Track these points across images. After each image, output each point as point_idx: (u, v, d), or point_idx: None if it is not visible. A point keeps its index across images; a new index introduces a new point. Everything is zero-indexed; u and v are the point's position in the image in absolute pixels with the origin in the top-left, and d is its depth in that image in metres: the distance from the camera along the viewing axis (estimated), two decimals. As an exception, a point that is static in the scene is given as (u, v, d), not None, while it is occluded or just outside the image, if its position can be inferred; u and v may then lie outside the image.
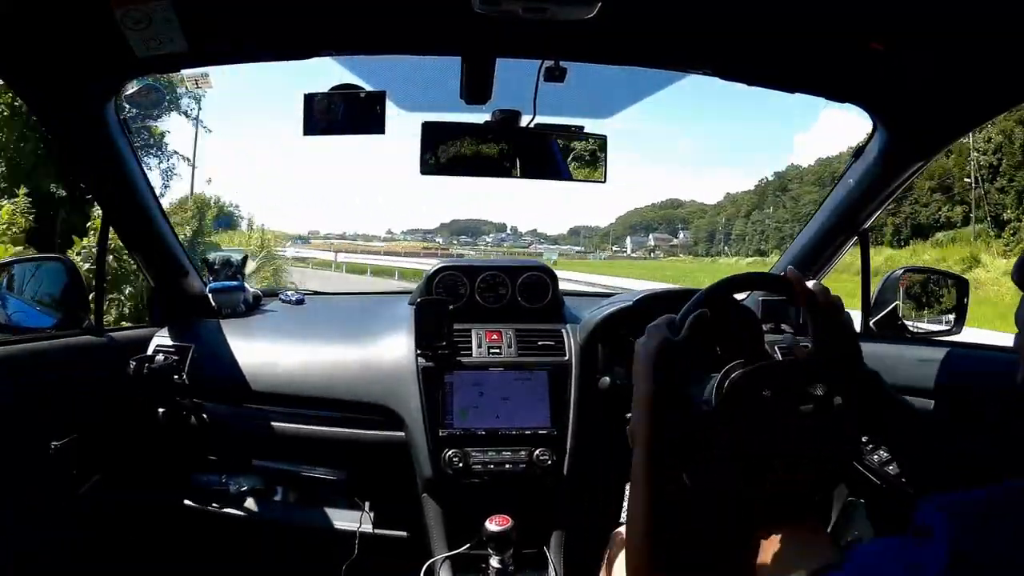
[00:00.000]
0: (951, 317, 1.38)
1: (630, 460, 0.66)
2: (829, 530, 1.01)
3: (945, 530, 0.38)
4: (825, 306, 0.70)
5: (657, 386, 0.63)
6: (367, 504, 1.38)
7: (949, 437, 1.13)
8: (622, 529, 0.94)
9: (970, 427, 1.13)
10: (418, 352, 1.35)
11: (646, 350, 0.65)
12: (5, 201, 5.57)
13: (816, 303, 0.70)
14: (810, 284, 0.71)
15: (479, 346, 1.38)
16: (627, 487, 0.93)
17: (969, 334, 1.38)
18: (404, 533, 1.37)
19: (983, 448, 1.10)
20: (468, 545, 1.24)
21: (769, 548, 0.79)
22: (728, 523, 0.71)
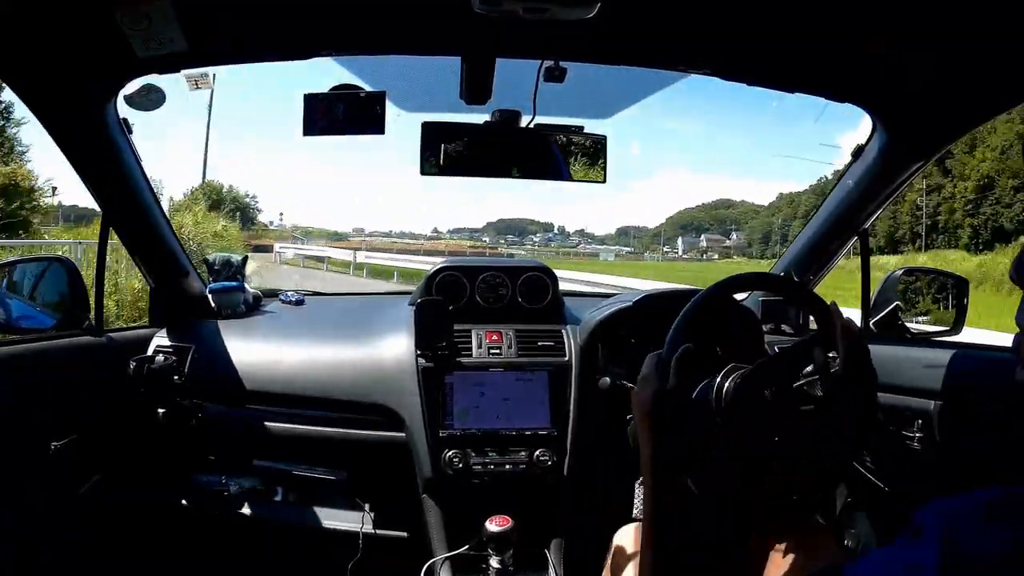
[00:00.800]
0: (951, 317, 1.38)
1: (630, 460, 0.67)
2: (831, 530, 1.01)
3: (936, 531, 0.38)
4: (847, 333, 0.71)
5: (658, 443, 0.68)
6: (367, 504, 1.38)
7: (955, 438, 1.14)
8: (624, 529, 0.94)
9: (971, 427, 1.13)
10: (418, 352, 1.35)
11: (641, 407, 0.70)
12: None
13: (848, 331, 0.71)
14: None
15: (479, 346, 1.38)
16: (637, 487, 0.94)
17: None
18: (404, 533, 1.37)
19: (984, 448, 1.10)
20: (468, 545, 1.24)
21: (771, 548, 0.79)
22: (727, 525, 0.71)
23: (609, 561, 0.92)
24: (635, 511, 0.95)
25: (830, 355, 0.70)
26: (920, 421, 1.17)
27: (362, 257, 15.98)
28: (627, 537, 0.91)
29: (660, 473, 0.66)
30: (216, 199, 25.78)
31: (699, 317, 0.76)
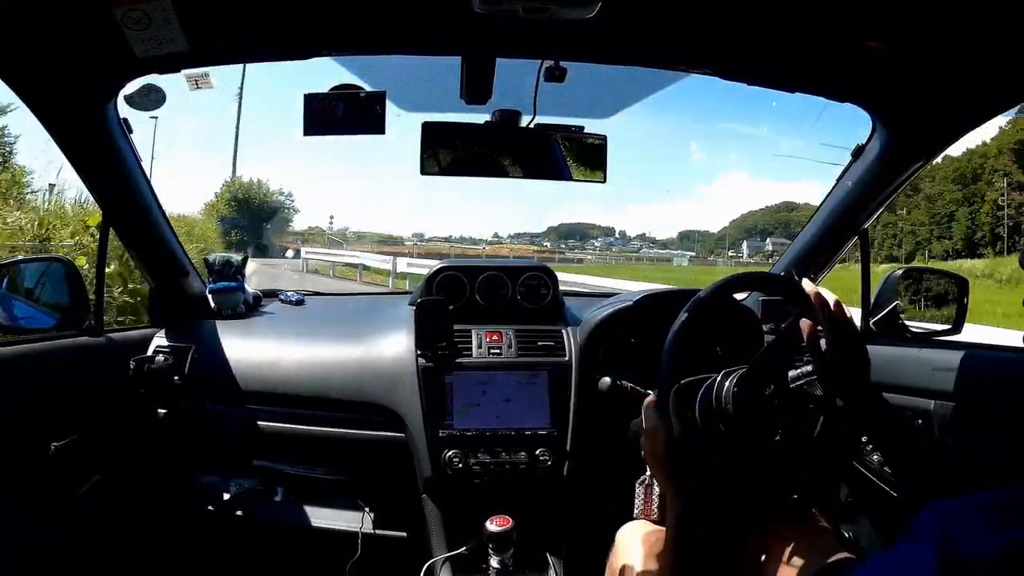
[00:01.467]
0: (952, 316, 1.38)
1: (630, 460, 0.68)
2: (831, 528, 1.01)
3: (935, 531, 0.38)
4: (838, 317, 0.72)
5: (682, 492, 0.71)
6: (367, 504, 1.38)
7: (955, 438, 1.14)
8: (627, 527, 0.94)
9: (972, 427, 1.13)
10: (418, 352, 1.35)
11: (656, 460, 0.73)
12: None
13: (830, 313, 0.73)
14: (829, 297, 0.73)
15: (479, 346, 1.38)
16: (637, 486, 0.95)
17: None
18: (404, 533, 1.37)
19: (987, 448, 1.10)
20: (468, 545, 1.24)
21: (772, 547, 0.79)
22: (727, 526, 0.71)
23: (613, 559, 0.92)
24: (636, 511, 0.95)
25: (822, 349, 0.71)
26: (920, 421, 1.17)
27: (404, 265, 12.27)
28: (630, 534, 0.91)
29: (686, 525, 0.68)
30: (244, 196, 23.81)
31: (685, 343, 0.77)
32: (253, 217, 24.04)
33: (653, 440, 0.73)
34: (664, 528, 0.78)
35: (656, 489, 0.94)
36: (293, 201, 31.12)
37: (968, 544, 0.37)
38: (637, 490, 0.95)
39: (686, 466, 0.69)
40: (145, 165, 1.29)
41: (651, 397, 0.77)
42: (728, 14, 0.92)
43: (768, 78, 1.10)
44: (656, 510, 0.94)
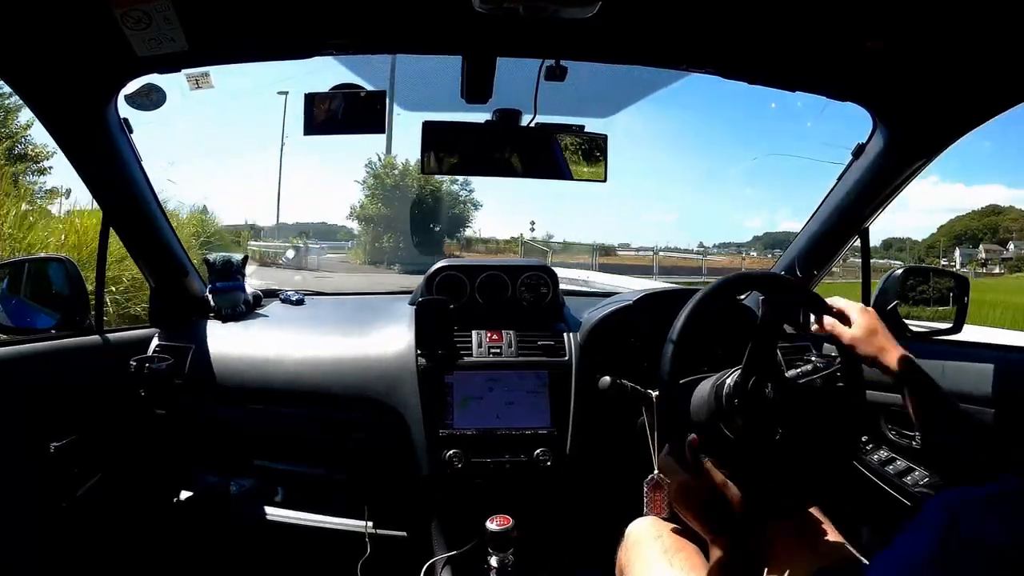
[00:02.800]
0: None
1: (629, 460, 0.68)
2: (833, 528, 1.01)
3: (938, 520, 0.38)
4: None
5: (711, 528, 0.75)
6: (367, 504, 1.38)
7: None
8: (638, 522, 0.94)
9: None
10: (418, 352, 1.35)
11: (684, 505, 0.77)
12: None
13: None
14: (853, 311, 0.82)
15: (479, 346, 1.38)
16: (644, 485, 0.95)
17: None
18: (404, 533, 1.37)
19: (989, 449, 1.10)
20: (468, 545, 1.24)
21: (773, 547, 0.78)
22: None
23: (622, 554, 0.92)
24: (645, 509, 0.96)
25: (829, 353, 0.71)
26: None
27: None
28: (642, 530, 0.91)
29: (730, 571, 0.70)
30: (393, 184, 17.58)
31: (686, 343, 0.77)
32: (428, 216, 18.06)
33: (688, 500, 0.74)
34: (674, 524, 0.80)
35: (664, 488, 0.94)
36: (471, 192, 20.44)
37: (974, 531, 0.37)
38: (645, 489, 0.95)
39: (729, 520, 0.70)
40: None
41: (665, 452, 0.78)
42: (729, 14, 0.92)
43: (769, 78, 1.10)
44: (665, 507, 0.94)
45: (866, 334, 0.82)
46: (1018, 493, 0.38)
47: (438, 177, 16.12)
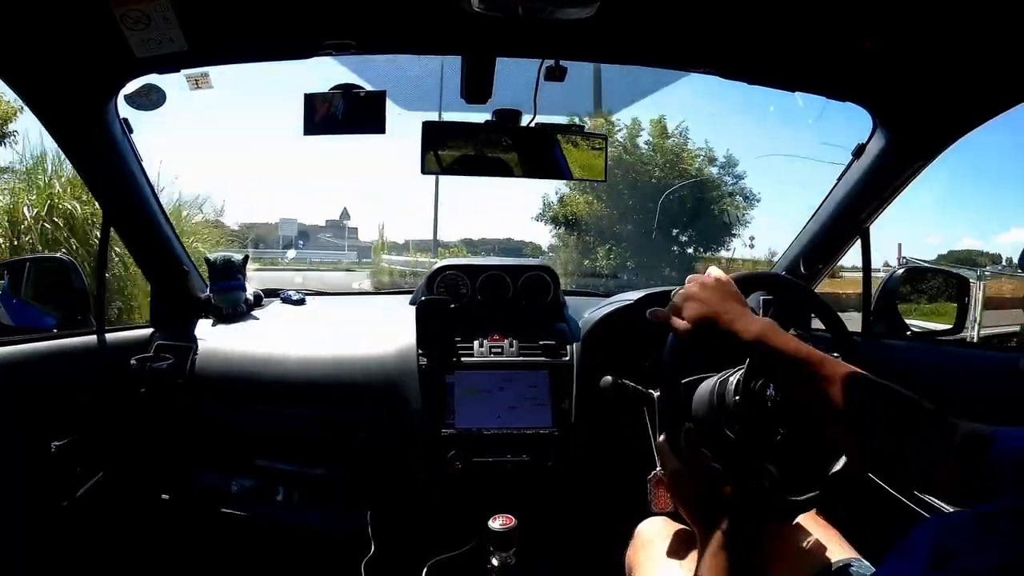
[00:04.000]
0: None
1: (630, 460, 0.68)
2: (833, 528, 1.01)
3: (927, 545, 0.38)
4: None
5: (714, 529, 0.70)
6: (368, 503, 1.38)
7: None
8: (649, 522, 0.94)
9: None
10: (419, 352, 1.35)
11: (687, 506, 0.74)
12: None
13: None
14: None
15: (480, 346, 1.38)
16: (648, 482, 0.95)
17: None
18: (404, 533, 1.37)
19: None
20: (469, 545, 1.24)
21: (773, 547, 0.79)
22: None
23: (632, 553, 0.92)
24: (651, 506, 0.96)
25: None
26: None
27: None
28: (652, 530, 0.91)
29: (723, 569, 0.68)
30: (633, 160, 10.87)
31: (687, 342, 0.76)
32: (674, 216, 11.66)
33: (681, 489, 0.73)
34: (684, 524, 0.79)
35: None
36: (739, 180, 13.05)
37: (960, 560, 0.37)
38: (648, 486, 0.95)
39: (719, 515, 0.69)
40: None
41: (662, 438, 0.77)
42: (729, 14, 0.91)
43: (769, 78, 1.10)
44: (670, 502, 0.94)
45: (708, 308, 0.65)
46: (997, 515, 0.38)
47: (686, 156, 11.98)
